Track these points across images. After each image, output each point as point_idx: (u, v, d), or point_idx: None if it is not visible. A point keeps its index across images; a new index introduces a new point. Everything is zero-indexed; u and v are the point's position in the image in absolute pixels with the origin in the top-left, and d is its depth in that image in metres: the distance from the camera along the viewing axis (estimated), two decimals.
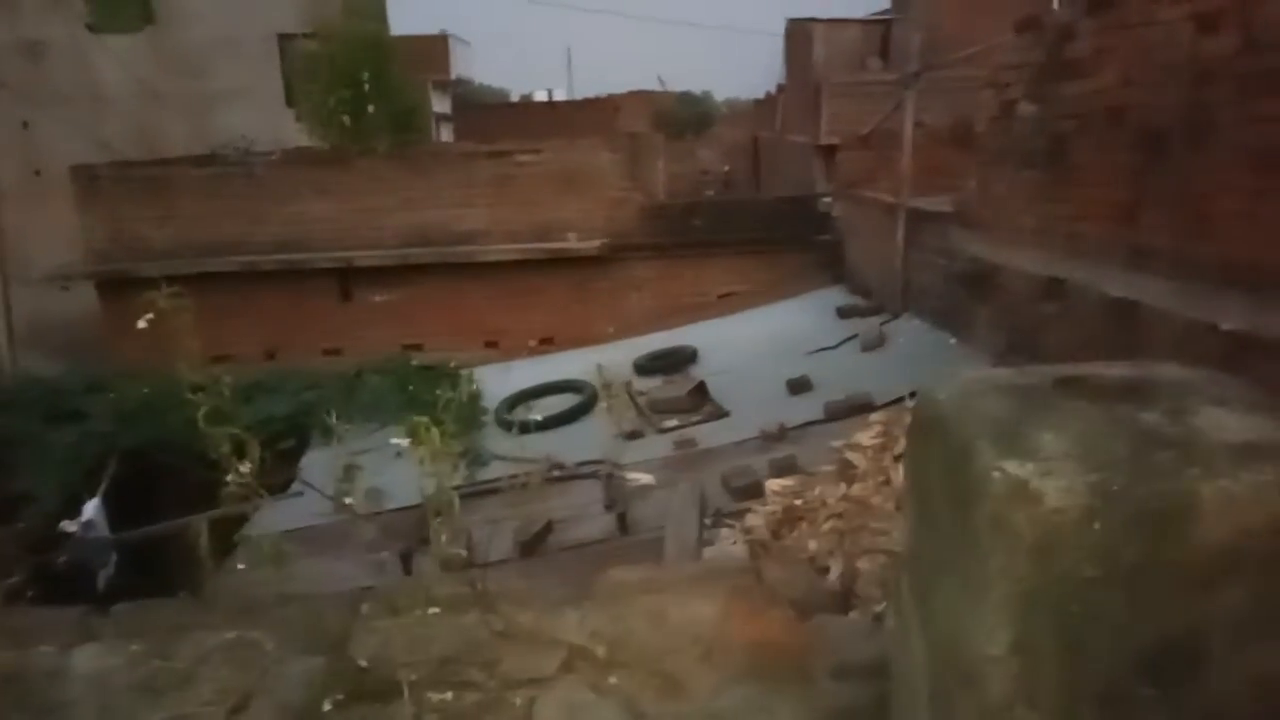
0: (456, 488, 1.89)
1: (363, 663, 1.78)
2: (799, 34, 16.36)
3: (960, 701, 1.18)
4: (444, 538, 1.73)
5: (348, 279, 12.17)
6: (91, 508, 7.53)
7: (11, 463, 8.49)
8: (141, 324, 1.89)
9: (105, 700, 1.80)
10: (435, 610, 1.78)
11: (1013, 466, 1.06)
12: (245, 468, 1.79)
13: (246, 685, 1.72)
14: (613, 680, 1.77)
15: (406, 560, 5.41)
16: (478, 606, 1.79)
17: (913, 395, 5.92)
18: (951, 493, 1.19)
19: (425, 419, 1.68)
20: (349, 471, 2.22)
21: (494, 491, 5.98)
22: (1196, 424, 1.12)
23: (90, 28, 15.84)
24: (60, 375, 10.40)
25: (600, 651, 1.83)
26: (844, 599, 3.19)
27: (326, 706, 1.62)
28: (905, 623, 1.43)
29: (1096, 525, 1.02)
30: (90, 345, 11.76)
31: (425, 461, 1.68)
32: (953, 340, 7.42)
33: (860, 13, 17.19)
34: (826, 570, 3.92)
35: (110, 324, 11.74)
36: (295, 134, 14.39)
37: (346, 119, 12.26)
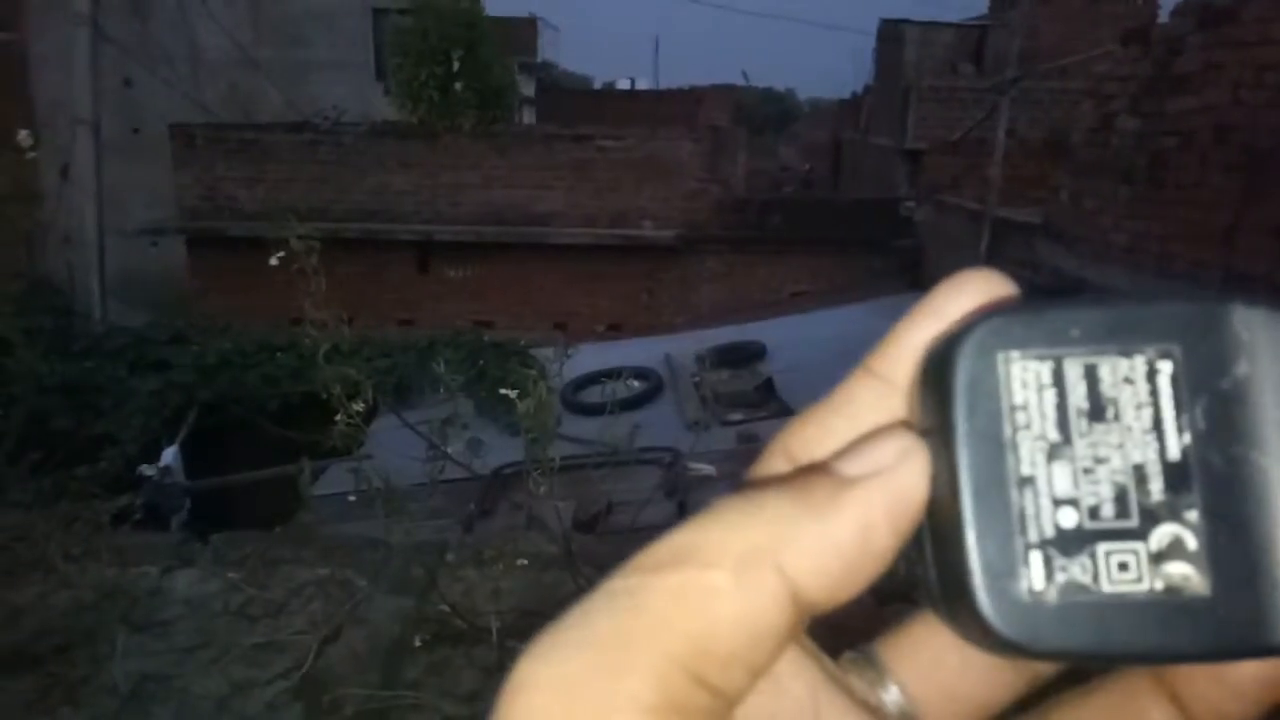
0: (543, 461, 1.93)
1: (447, 608, 1.83)
2: (891, 35, 16.16)
3: None
4: (542, 489, 1.77)
5: (426, 252, 12.37)
6: (170, 454, 7.79)
7: (96, 406, 8.80)
8: (273, 261, 1.96)
9: (202, 622, 1.88)
10: (523, 562, 1.82)
11: None
12: (358, 406, 1.85)
13: (339, 618, 1.79)
14: None
15: (469, 527, 5.50)
16: (562, 565, 1.83)
17: None
18: None
19: (533, 372, 1.72)
20: (447, 425, 2.27)
21: (567, 469, 6.06)
22: None
23: None
24: (146, 326, 10.75)
25: None
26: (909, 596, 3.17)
27: (416, 643, 1.68)
28: None
29: None
30: (176, 299, 12.15)
31: (529, 414, 1.72)
32: None
33: (954, 17, 16.93)
34: (895, 570, 3.90)
35: (198, 279, 12.13)
36: (383, 107, 14.65)
37: (435, 95, 12.45)
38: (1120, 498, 0.22)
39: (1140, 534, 0.22)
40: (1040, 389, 0.22)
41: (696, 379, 9.15)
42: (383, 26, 16.45)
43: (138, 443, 8.26)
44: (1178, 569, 0.21)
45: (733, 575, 0.22)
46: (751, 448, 7.14)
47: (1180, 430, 0.22)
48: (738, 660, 0.22)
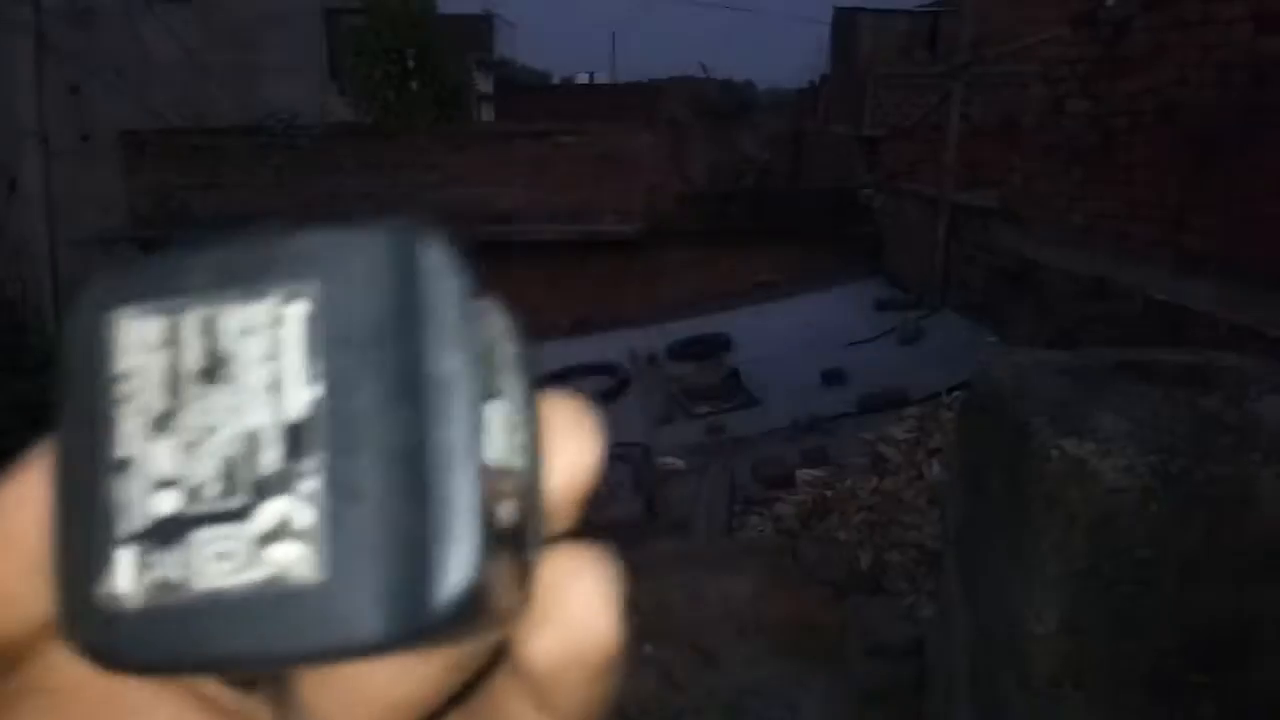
0: None
1: None
2: (846, 23, 16.23)
3: (1004, 680, 1.18)
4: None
5: None
6: None
7: (52, 424, 8.65)
8: None
9: None
10: None
11: (1071, 445, 1.06)
12: None
13: None
14: (648, 649, 1.79)
15: None
16: None
17: (950, 391, 5.89)
18: (1005, 471, 1.19)
19: None
20: None
21: None
22: (1257, 410, 1.11)
23: None
24: None
25: (635, 621, 1.84)
26: (875, 586, 3.20)
27: None
28: (947, 602, 1.43)
29: (1154, 507, 1.01)
30: None
31: None
32: (992, 337, 7.36)
33: (908, 4, 17.02)
34: (856, 562, 3.93)
35: None
36: (339, 108, 14.49)
37: (390, 95, 12.33)
38: (227, 473, 0.18)
39: (244, 514, 0.18)
40: (150, 351, 0.19)
41: (663, 373, 9.15)
42: (336, 27, 16.25)
43: None
44: (284, 551, 0.17)
45: None
46: (718, 440, 7.15)
47: (306, 384, 0.18)
48: None
